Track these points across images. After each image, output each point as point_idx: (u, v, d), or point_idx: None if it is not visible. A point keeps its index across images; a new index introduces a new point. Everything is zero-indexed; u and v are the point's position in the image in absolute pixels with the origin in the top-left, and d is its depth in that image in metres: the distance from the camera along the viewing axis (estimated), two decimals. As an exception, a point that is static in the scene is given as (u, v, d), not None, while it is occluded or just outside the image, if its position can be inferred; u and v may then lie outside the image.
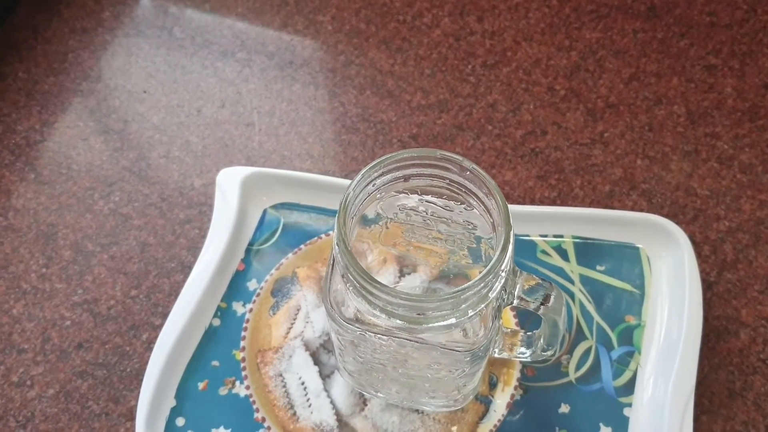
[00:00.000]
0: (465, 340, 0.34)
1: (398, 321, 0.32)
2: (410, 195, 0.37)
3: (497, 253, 0.31)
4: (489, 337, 0.34)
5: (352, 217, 0.34)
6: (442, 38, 0.59)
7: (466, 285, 0.31)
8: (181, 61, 0.58)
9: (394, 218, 0.40)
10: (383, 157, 0.33)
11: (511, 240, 0.32)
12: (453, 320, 0.32)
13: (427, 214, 0.39)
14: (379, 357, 0.36)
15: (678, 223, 0.49)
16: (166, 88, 0.57)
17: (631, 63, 0.57)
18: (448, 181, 0.35)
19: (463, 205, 0.37)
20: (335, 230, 0.32)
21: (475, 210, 0.36)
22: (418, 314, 0.31)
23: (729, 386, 0.44)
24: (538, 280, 0.35)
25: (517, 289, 0.35)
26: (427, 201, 0.38)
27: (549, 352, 0.39)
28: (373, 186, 0.34)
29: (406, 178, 0.35)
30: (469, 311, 0.32)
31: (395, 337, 0.33)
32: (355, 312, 0.35)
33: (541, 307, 0.35)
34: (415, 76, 0.57)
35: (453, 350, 0.33)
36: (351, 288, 0.32)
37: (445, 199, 0.37)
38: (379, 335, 0.33)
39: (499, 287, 0.32)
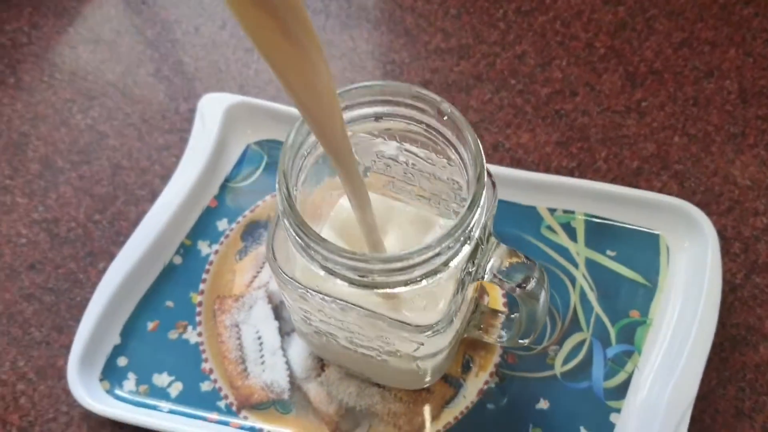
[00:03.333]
0: (419, 314, 0.29)
1: (338, 281, 0.27)
2: (387, 140, 0.32)
3: (461, 213, 0.26)
4: (449, 313, 0.29)
5: (305, 156, 0.29)
6: (475, -22, 0.53)
7: (417, 248, 0.26)
8: (189, -26, 0.54)
9: (372, 167, 0.35)
10: (348, 87, 0.28)
11: (482, 201, 0.27)
12: (403, 288, 0.27)
13: (408, 165, 0.34)
14: (324, 326, 0.32)
15: (710, 213, 0.43)
16: (166, 1, 0.53)
17: (684, 27, 0.50)
18: (425, 125, 0.30)
19: (444, 159, 0.31)
20: (278, 170, 0.27)
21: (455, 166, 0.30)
22: (361, 276, 0.27)
23: (737, 404, 0.38)
24: (520, 257, 0.30)
25: (490, 263, 0.30)
26: (406, 150, 0.33)
27: (525, 341, 0.34)
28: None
29: (377, 117, 0.30)
30: (423, 281, 0.27)
31: (338, 300, 0.29)
32: (299, 270, 0.30)
33: (518, 289, 0.30)
34: (438, 15, 0.51)
35: (403, 323, 0.29)
36: (291, 239, 0.28)
37: (429, 150, 0.32)
38: (320, 296, 0.29)
39: (462, 257, 0.27)
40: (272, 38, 0.19)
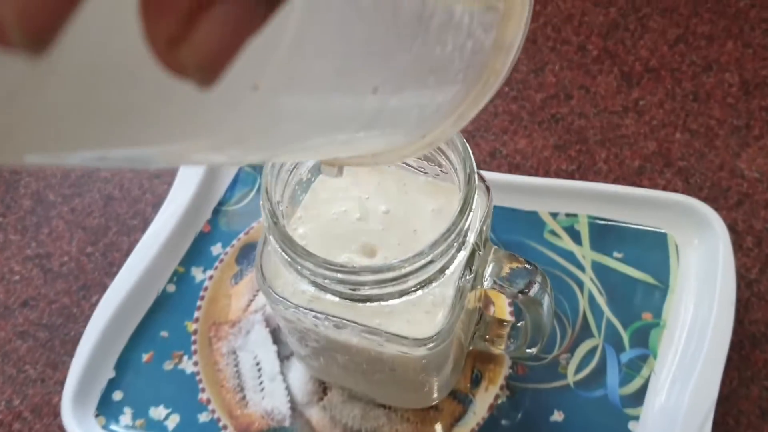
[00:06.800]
0: (417, 327, 0.28)
1: (329, 296, 0.26)
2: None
3: (453, 216, 0.25)
4: (448, 324, 0.28)
5: (289, 171, 0.28)
6: (463, -13, 0.52)
7: (409, 256, 0.24)
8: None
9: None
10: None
11: (474, 204, 0.25)
12: (397, 300, 0.26)
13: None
14: (319, 345, 0.31)
15: (718, 208, 0.41)
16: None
17: (679, 23, 0.49)
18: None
19: (435, 167, 0.30)
20: (262, 187, 0.26)
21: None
22: (353, 290, 0.25)
23: (761, 404, 0.36)
24: (520, 261, 0.29)
25: (489, 269, 0.28)
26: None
27: (533, 350, 0.33)
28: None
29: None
30: (419, 291, 0.26)
31: (331, 317, 0.27)
32: (290, 288, 0.29)
33: (520, 295, 0.28)
34: (427, 28, 0.51)
35: (400, 337, 0.27)
36: (278, 256, 0.27)
37: (420, 159, 0.31)
38: (313, 313, 0.28)
39: (457, 264, 0.26)
40: None
